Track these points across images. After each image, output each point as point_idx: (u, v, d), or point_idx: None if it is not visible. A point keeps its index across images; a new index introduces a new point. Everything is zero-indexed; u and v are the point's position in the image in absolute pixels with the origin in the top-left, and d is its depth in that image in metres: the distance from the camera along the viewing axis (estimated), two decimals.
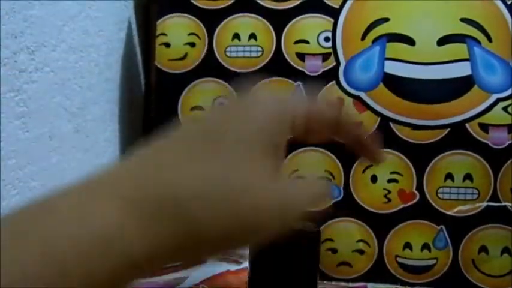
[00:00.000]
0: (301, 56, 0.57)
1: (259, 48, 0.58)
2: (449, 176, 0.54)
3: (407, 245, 0.54)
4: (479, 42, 0.55)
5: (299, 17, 0.58)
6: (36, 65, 0.42)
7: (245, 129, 0.23)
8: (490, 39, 0.55)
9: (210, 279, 0.52)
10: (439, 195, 0.54)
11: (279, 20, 0.58)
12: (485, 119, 0.54)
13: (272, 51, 0.57)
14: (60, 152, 0.47)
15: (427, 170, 0.54)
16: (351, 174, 0.56)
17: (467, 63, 0.55)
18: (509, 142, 0.53)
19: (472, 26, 0.55)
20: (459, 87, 0.55)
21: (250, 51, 0.58)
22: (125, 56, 0.63)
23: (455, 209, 0.54)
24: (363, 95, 0.56)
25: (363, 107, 0.55)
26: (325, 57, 0.57)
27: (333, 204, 0.53)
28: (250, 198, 0.21)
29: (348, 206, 0.55)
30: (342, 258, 0.55)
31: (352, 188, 0.55)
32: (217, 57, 0.58)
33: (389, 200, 0.54)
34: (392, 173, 0.55)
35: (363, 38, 0.56)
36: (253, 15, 0.58)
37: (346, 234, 0.55)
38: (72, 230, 0.19)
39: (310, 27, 0.57)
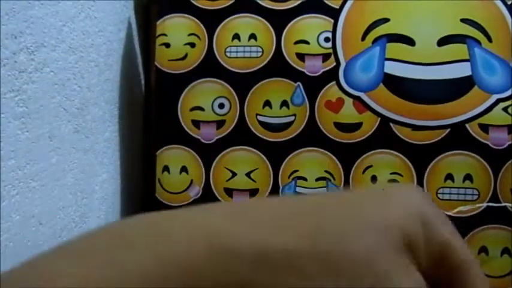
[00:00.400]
0: (301, 56, 0.57)
1: (259, 49, 0.58)
2: (450, 177, 0.54)
3: None
4: (479, 43, 0.55)
5: (299, 18, 0.58)
6: (36, 65, 0.42)
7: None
8: (490, 40, 0.55)
9: None
10: (439, 195, 0.54)
11: (279, 20, 0.58)
12: (486, 119, 0.54)
13: (272, 52, 0.57)
14: (60, 152, 0.47)
15: (427, 170, 0.54)
16: (351, 174, 0.56)
17: (468, 63, 0.55)
18: (509, 143, 0.53)
19: (472, 26, 0.55)
20: (459, 87, 0.55)
21: (250, 52, 0.58)
22: (125, 56, 0.63)
23: (456, 210, 0.54)
24: (363, 95, 0.56)
25: (363, 107, 0.55)
26: (325, 57, 0.57)
27: None
28: None
29: None
30: None
31: (352, 188, 0.55)
32: (217, 57, 0.58)
33: None
34: (392, 173, 0.55)
35: (363, 38, 0.56)
36: (253, 15, 0.58)
37: None
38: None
39: (310, 28, 0.57)
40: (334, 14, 0.57)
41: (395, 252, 0.20)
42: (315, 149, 0.56)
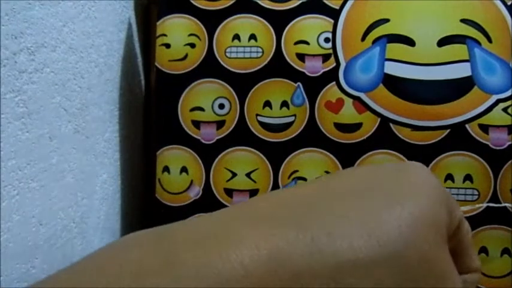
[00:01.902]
0: (301, 57, 0.57)
1: (260, 49, 0.58)
2: (449, 177, 0.54)
3: None
4: (479, 43, 0.55)
5: (299, 18, 0.58)
6: (36, 65, 0.42)
7: None
8: (490, 40, 0.55)
9: None
10: None
11: (279, 20, 0.58)
12: (485, 120, 0.54)
13: (272, 52, 0.57)
14: (60, 152, 0.47)
15: None
16: None
17: (468, 64, 0.55)
18: (510, 143, 0.53)
19: (472, 26, 0.55)
20: (459, 88, 0.55)
21: (251, 52, 0.58)
22: (125, 56, 0.63)
23: None
24: (363, 95, 0.56)
25: (363, 107, 0.55)
26: (325, 58, 0.57)
27: None
28: None
29: None
30: None
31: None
32: (218, 58, 0.58)
33: None
34: None
35: (363, 38, 0.56)
36: (253, 16, 0.58)
37: None
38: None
39: (310, 28, 0.57)
40: (334, 14, 0.57)
41: (444, 249, 0.20)
42: (315, 149, 0.56)
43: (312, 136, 0.56)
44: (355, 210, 0.20)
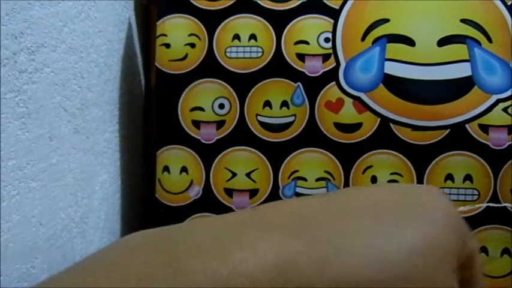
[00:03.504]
0: (301, 57, 0.57)
1: (260, 49, 0.58)
2: (450, 177, 0.54)
3: None
4: (479, 43, 0.55)
5: (299, 18, 0.58)
6: (36, 65, 0.42)
7: None
8: (490, 40, 0.55)
9: None
10: None
11: (279, 20, 0.58)
12: (485, 119, 0.54)
13: (272, 52, 0.57)
14: (60, 152, 0.47)
15: (427, 170, 0.54)
16: (351, 175, 0.56)
17: (468, 64, 0.55)
18: (510, 143, 0.53)
19: (472, 26, 0.55)
20: (459, 88, 0.55)
21: (251, 52, 0.58)
22: (125, 56, 0.63)
23: None
24: (363, 95, 0.56)
25: (363, 107, 0.55)
26: (325, 58, 0.57)
27: None
28: None
29: None
30: None
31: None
32: (218, 58, 0.58)
33: None
34: (392, 173, 0.55)
35: (363, 38, 0.56)
36: (253, 16, 0.58)
37: None
38: None
39: (310, 28, 0.57)
40: (334, 14, 0.57)
41: (451, 277, 0.20)
42: (315, 149, 0.56)
43: (312, 136, 0.56)
44: (366, 229, 0.20)
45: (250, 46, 0.58)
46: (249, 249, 0.19)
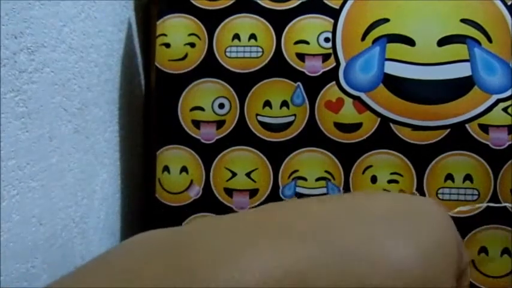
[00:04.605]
0: (301, 57, 0.57)
1: (259, 49, 0.58)
2: (450, 177, 0.54)
3: None
4: (479, 43, 0.55)
5: (299, 18, 0.58)
6: (36, 65, 0.42)
7: None
8: (490, 40, 0.55)
9: None
10: (439, 195, 0.54)
11: (279, 20, 0.58)
12: (485, 119, 0.54)
13: (272, 52, 0.57)
14: (60, 152, 0.47)
15: (427, 170, 0.54)
16: (351, 175, 0.56)
17: (468, 63, 0.55)
18: (509, 143, 0.53)
19: (472, 26, 0.55)
20: (459, 87, 0.55)
21: (250, 52, 0.58)
22: (125, 56, 0.63)
23: (456, 210, 0.54)
24: (363, 95, 0.56)
25: (363, 107, 0.55)
26: (325, 57, 0.57)
27: None
28: None
29: None
30: None
31: (352, 188, 0.55)
32: (217, 57, 0.58)
33: None
34: (392, 173, 0.55)
35: (363, 38, 0.56)
36: (253, 15, 0.58)
37: None
38: None
39: (310, 28, 0.57)
40: (334, 14, 0.57)
41: (453, 283, 0.20)
42: (315, 149, 0.56)
43: (312, 136, 0.56)
44: (378, 236, 0.20)
45: (250, 46, 0.58)
46: (265, 256, 0.19)
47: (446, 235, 0.22)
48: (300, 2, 0.58)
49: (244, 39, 0.58)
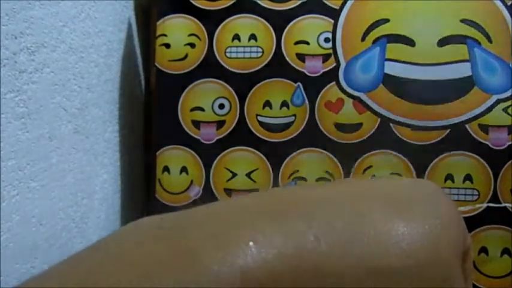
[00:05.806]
0: (301, 57, 0.57)
1: (260, 49, 0.58)
2: (449, 177, 0.54)
3: None
4: (479, 43, 0.55)
5: (299, 18, 0.58)
6: (36, 65, 0.42)
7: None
8: (490, 40, 0.55)
9: None
10: None
11: (279, 20, 0.58)
12: (485, 120, 0.54)
13: (272, 52, 0.57)
14: (60, 152, 0.47)
15: (427, 170, 0.54)
16: (351, 175, 0.56)
17: (468, 64, 0.55)
18: (510, 143, 0.53)
19: (472, 26, 0.55)
20: (459, 88, 0.55)
21: (251, 52, 0.58)
22: (125, 56, 0.63)
23: None
24: (363, 95, 0.56)
25: (363, 107, 0.55)
26: (325, 58, 0.57)
27: None
28: None
29: None
30: None
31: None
32: (218, 58, 0.58)
33: None
34: (392, 173, 0.55)
35: (363, 38, 0.56)
36: (253, 16, 0.58)
37: None
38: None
39: (310, 28, 0.57)
40: (334, 14, 0.57)
41: (460, 267, 0.20)
42: (315, 149, 0.56)
43: (312, 136, 0.56)
44: (382, 218, 0.20)
45: (250, 46, 0.58)
46: (265, 239, 0.19)
47: (452, 217, 0.22)
48: (300, 2, 0.58)
49: (244, 40, 0.58)
